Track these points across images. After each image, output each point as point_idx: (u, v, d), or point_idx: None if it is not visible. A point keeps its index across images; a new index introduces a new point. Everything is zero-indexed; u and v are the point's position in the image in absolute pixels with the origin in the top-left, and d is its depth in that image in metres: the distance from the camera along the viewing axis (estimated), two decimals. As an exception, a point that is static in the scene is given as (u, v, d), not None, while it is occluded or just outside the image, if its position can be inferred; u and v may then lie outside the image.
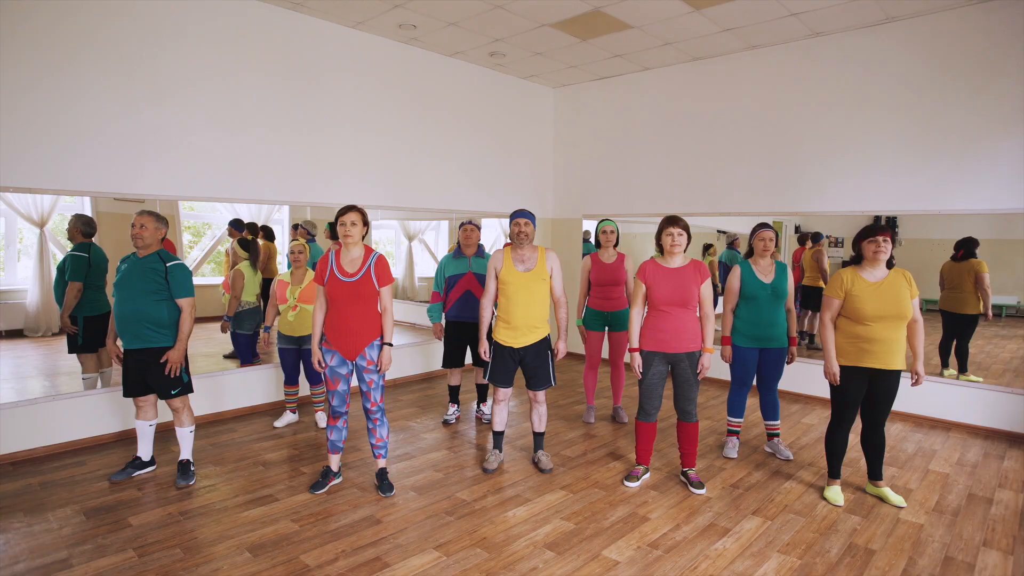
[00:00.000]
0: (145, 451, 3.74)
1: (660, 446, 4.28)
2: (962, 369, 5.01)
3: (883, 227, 3.27)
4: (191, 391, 3.64)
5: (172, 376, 3.48)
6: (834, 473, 3.56)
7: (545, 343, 3.76)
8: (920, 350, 3.35)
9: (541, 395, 3.84)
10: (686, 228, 3.47)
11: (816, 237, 5.91)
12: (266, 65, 4.90)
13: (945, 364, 5.13)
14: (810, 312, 6.12)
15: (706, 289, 3.47)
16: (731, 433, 4.25)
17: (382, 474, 3.57)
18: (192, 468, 3.67)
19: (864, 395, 3.39)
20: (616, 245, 4.68)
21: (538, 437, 3.94)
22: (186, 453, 3.66)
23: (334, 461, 3.58)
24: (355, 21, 5.27)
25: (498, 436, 3.93)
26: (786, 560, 2.86)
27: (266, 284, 5.31)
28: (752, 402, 5.32)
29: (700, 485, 3.60)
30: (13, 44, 3.77)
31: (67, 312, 4.09)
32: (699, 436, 4.52)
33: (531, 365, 3.74)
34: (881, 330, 3.24)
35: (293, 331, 4.41)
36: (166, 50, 4.38)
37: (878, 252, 3.23)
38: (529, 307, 3.66)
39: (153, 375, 3.49)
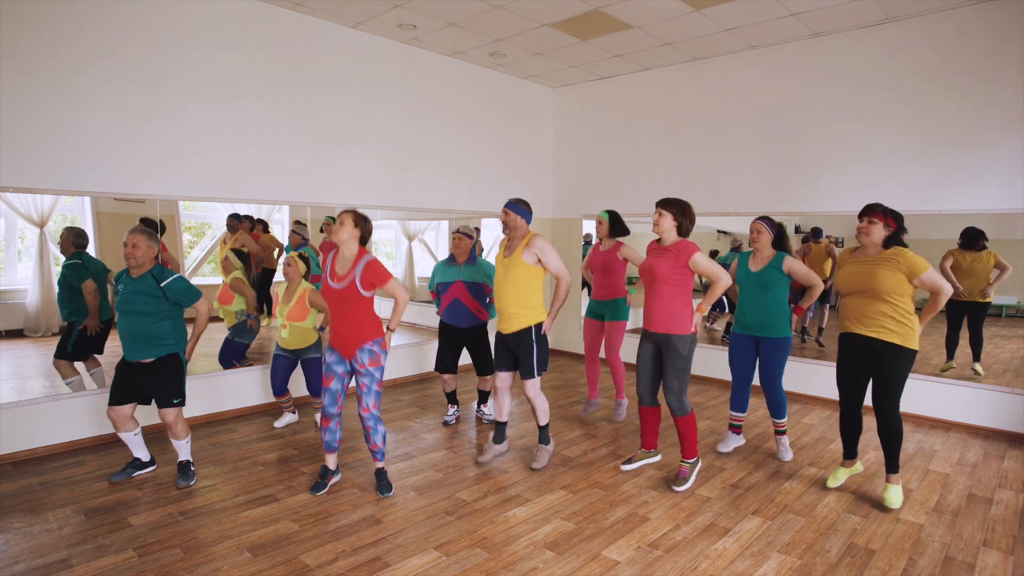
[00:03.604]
0: (142, 454, 3.74)
1: (660, 446, 4.27)
2: (976, 357, 4.96)
3: (873, 207, 3.27)
4: (184, 404, 3.63)
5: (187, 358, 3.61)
6: (845, 454, 3.62)
7: (527, 333, 3.68)
8: (928, 315, 3.29)
9: (528, 387, 3.76)
10: (669, 208, 3.42)
11: (816, 233, 5.89)
12: (266, 65, 4.90)
13: (951, 356, 5.08)
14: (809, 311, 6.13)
15: (695, 263, 3.36)
16: (730, 428, 4.27)
17: (380, 474, 3.57)
18: (192, 468, 3.67)
19: (867, 378, 3.41)
20: (612, 236, 4.63)
21: (540, 430, 3.92)
22: (184, 455, 3.66)
23: (330, 460, 3.58)
24: (355, 21, 5.27)
25: (499, 427, 3.90)
26: (786, 560, 2.86)
27: (267, 276, 5.33)
28: (757, 402, 5.31)
29: (679, 480, 3.57)
30: (14, 45, 3.76)
31: (94, 314, 4.17)
32: (699, 436, 4.52)
33: (517, 353, 3.73)
34: (855, 302, 3.36)
35: (288, 345, 4.39)
36: (166, 50, 4.38)
37: (860, 233, 3.32)
38: (505, 293, 3.65)
39: (154, 384, 3.49)
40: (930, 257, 5.11)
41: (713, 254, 6.63)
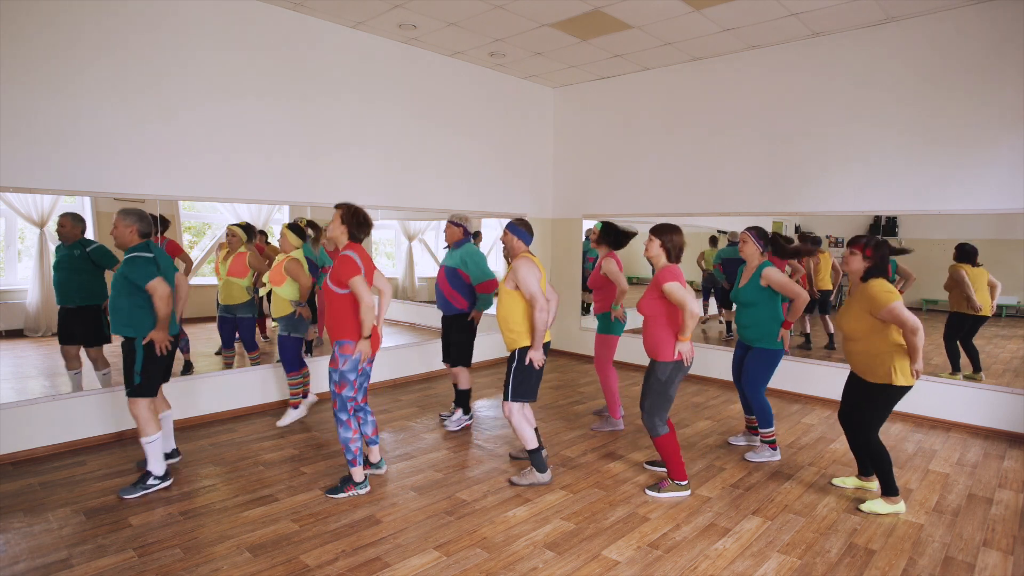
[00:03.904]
0: (164, 444, 3.73)
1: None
2: (977, 368, 4.96)
3: (855, 238, 3.26)
4: (145, 395, 3.41)
5: (160, 354, 3.41)
6: (859, 469, 3.65)
7: (512, 356, 3.56)
8: (914, 355, 3.11)
9: (504, 408, 3.59)
10: (659, 235, 3.38)
11: (815, 242, 5.88)
12: (266, 65, 4.90)
13: (957, 368, 5.05)
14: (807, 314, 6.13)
15: (666, 291, 3.30)
16: (747, 428, 4.38)
17: (343, 477, 3.54)
18: (150, 482, 3.45)
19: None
20: (600, 244, 4.57)
21: (529, 455, 3.67)
22: (149, 463, 3.46)
23: (369, 454, 3.65)
24: (355, 21, 5.27)
25: (533, 454, 3.65)
26: (786, 560, 2.86)
27: None
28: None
29: (654, 487, 3.55)
30: (14, 45, 3.76)
31: None
32: (699, 435, 4.53)
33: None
34: (845, 343, 3.40)
35: (272, 312, 4.54)
36: (165, 50, 4.38)
37: (843, 264, 3.34)
38: (498, 314, 3.60)
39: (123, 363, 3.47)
40: (929, 258, 5.18)
41: (713, 241, 6.65)
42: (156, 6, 4.31)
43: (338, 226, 3.33)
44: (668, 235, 3.39)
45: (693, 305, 3.28)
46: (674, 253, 3.41)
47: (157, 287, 3.32)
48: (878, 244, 3.20)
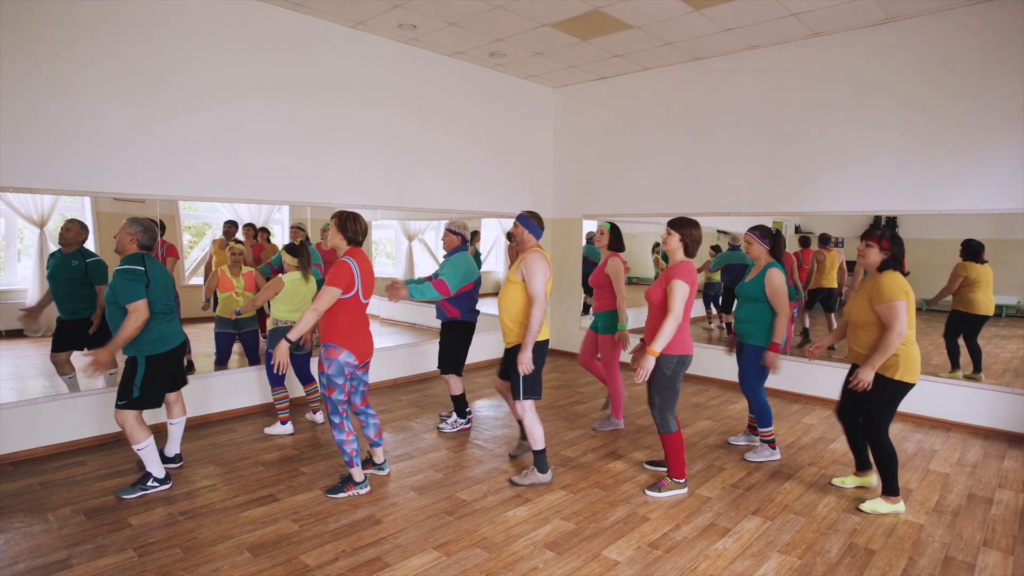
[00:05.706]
0: (169, 448, 3.75)
1: (655, 446, 4.28)
2: (979, 367, 4.95)
3: (869, 230, 3.25)
4: (137, 408, 3.35)
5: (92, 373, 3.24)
6: (856, 464, 3.66)
7: (514, 351, 3.52)
8: (875, 355, 3.13)
9: (516, 408, 3.57)
10: (678, 228, 3.39)
11: (824, 240, 5.88)
12: (266, 64, 4.90)
13: (956, 365, 5.04)
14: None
15: (671, 289, 3.30)
16: (748, 427, 4.40)
17: (343, 477, 3.55)
18: (149, 484, 3.45)
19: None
20: (612, 247, 4.54)
21: (534, 455, 3.64)
22: (148, 466, 3.46)
23: (373, 455, 3.71)
24: (355, 21, 5.27)
25: (520, 424, 3.69)
26: (786, 560, 2.86)
27: None
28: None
29: (654, 487, 3.55)
30: (15, 45, 3.77)
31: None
32: (699, 435, 4.53)
33: (510, 369, 3.57)
34: (849, 330, 3.39)
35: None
36: (165, 50, 4.38)
37: (858, 256, 3.31)
38: (502, 306, 3.55)
39: None
40: (929, 258, 5.17)
41: (716, 249, 6.65)
42: (156, 6, 4.31)
43: (334, 233, 3.34)
44: (687, 229, 3.39)
45: (679, 314, 3.26)
46: (692, 247, 3.41)
47: (139, 307, 3.21)
48: (894, 236, 3.20)
